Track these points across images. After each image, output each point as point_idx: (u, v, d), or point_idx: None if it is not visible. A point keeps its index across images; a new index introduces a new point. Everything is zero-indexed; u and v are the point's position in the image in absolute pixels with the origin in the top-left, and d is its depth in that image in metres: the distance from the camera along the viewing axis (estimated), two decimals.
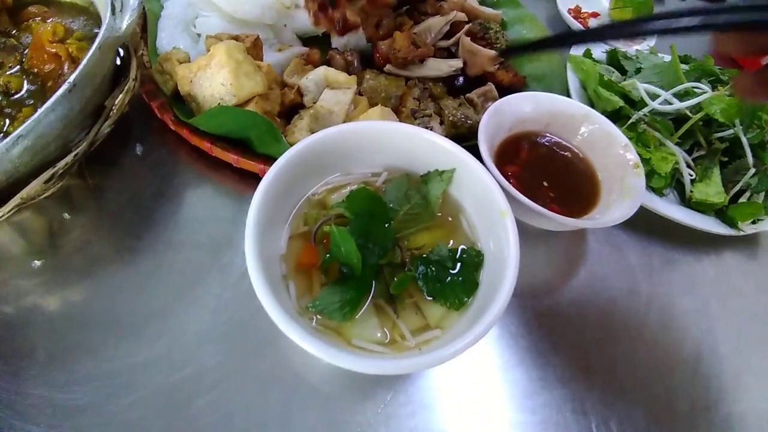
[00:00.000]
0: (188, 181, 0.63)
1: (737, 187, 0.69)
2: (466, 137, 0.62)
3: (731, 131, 0.70)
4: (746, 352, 0.60)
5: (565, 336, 0.57)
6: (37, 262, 0.55)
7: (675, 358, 0.58)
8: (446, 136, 0.51)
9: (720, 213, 0.69)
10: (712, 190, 0.68)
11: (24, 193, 0.49)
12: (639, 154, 0.62)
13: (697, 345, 0.59)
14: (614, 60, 0.81)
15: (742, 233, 0.67)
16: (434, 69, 0.69)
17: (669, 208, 0.65)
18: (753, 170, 0.69)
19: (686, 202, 0.69)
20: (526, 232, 0.61)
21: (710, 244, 0.69)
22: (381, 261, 0.46)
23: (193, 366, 0.50)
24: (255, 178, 0.58)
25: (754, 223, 0.68)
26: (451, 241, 0.50)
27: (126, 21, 0.55)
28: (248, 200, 0.43)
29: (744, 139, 0.69)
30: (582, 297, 0.61)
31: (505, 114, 0.62)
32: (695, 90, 0.70)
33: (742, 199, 0.69)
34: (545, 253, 0.64)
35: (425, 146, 0.51)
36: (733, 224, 0.67)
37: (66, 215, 0.59)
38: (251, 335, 0.52)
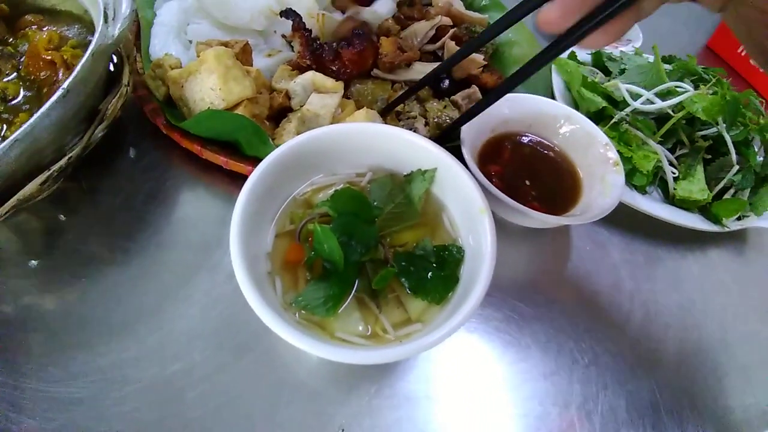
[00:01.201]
0: (179, 183, 0.65)
1: (721, 185, 0.70)
2: (450, 138, 0.64)
3: (715, 129, 0.71)
4: (731, 348, 0.61)
5: (548, 331, 0.58)
6: (34, 262, 0.57)
7: (659, 354, 0.59)
8: (431, 138, 0.52)
9: (704, 210, 0.70)
10: (696, 187, 0.69)
11: (20, 194, 0.50)
12: (621, 153, 0.64)
13: (682, 341, 0.60)
14: (599, 62, 0.82)
15: (726, 229, 0.67)
16: (420, 72, 0.70)
17: (652, 206, 0.66)
18: (737, 167, 0.70)
19: (670, 199, 0.70)
20: (510, 231, 0.63)
21: (695, 241, 0.70)
22: (363, 258, 0.47)
23: (184, 361, 0.51)
24: (244, 180, 0.58)
25: (739, 219, 0.69)
26: (434, 239, 0.51)
27: (118, 29, 0.56)
28: None
29: (727, 137, 0.70)
30: (565, 293, 0.62)
31: (489, 115, 0.63)
32: (677, 89, 0.72)
33: (726, 196, 0.70)
34: (529, 251, 0.65)
35: (408, 147, 0.53)
36: (717, 221, 0.68)
37: (61, 217, 0.61)
38: (239, 331, 0.53)
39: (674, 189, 0.69)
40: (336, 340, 0.44)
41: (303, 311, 0.45)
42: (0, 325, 0.53)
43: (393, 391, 0.52)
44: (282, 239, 0.50)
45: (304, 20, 0.65)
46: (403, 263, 0.48)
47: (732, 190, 0.71)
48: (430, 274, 0.48)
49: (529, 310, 0.60)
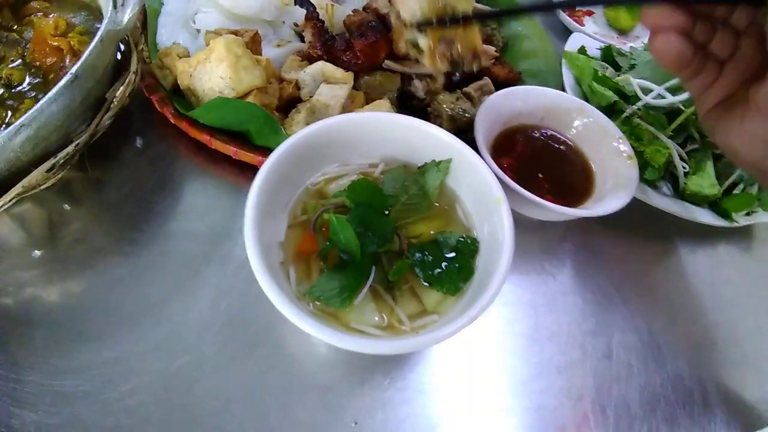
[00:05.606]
0: (188, 173, 0.64)
1: (730, 180, 0.70)
2: (463, 130, 0.63)
3: None
4: (741, 343, 0.60)
5: (561, 324, 0.58)
6: (38, 253, 0.56)
7: (670, 348, 0.58)
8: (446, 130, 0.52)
9: (714, 205, 0.69)
10: (706, 182, 0.68)
11: (25, 182, 0.49)
12: (633, 147, 0.63)
13: (692, 335, 0.60)
14: (608, 56, 0.81)
15: (736, 224, 0.67)
16: None
17: (663, 200, 0.66)
18: None
19: (680, 194, 0.70)
20: (521, 223, 0.62)
21: (704, 236, 0.70)
22: (380, 249, 0.46)
23: (192, 354, 0.50)
24: (253, 170, 0.57)
25: (748, 214, 0.68)
26: (448, 230, 0.51)
27: (127, 15, 0.55)
28: (246, 192, 0.44)
29: None
30: (576, 288, 0.61)
31: (501, 107, 0.63)
32: None
33: (736, 191, 0.70)
34: (540, 244, 0.65)
35: (422, 137, 0.52)
36: (727, 216, 0.67)
37: (66, 206, 0.59)
38: (249, 323, 0.52)
39: (685, 184, 0.69)
40: (352, 331, 0.43)
41: (317, 302, 0.44)
42: (2, 317, 0.51)
43: (405, 384, 0.51)
44: (294, 229, 0.49)
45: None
46: (418, 254, 0.47)
47: (741, 186, 0.71)
48: (444, 264, 0.47)
49: (541, 304, 0.59)
